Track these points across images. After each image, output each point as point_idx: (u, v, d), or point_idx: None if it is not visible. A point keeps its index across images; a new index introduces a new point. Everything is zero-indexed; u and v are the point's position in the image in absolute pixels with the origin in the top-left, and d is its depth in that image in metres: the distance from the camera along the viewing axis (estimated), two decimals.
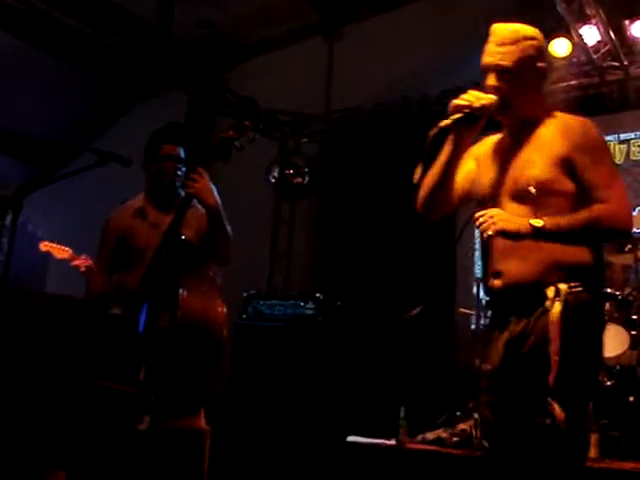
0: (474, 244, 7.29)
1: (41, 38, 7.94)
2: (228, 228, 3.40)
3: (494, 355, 2.55)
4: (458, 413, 5.38)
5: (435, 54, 7.35)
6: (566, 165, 2.50)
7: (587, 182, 2.50)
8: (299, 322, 6.25)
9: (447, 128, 2.54)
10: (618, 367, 5.24)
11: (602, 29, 6.34)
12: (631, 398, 4.98)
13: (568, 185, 2.50)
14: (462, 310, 6.15)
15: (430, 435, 5.19)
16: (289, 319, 6.31)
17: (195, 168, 3.29)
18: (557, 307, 2.40)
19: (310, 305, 6.28)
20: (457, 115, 2.52)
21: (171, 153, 3.56)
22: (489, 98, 2.56)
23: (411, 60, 7.48)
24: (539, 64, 2.64)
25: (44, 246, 4.67)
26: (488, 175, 2.66)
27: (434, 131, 2.54)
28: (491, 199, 2.59)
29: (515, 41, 2.62)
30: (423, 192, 2.74)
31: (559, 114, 2.67)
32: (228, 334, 3.29)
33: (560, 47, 6.67)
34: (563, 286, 2.43)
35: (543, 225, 2.38)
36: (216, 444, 3.37)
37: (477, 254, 7.27)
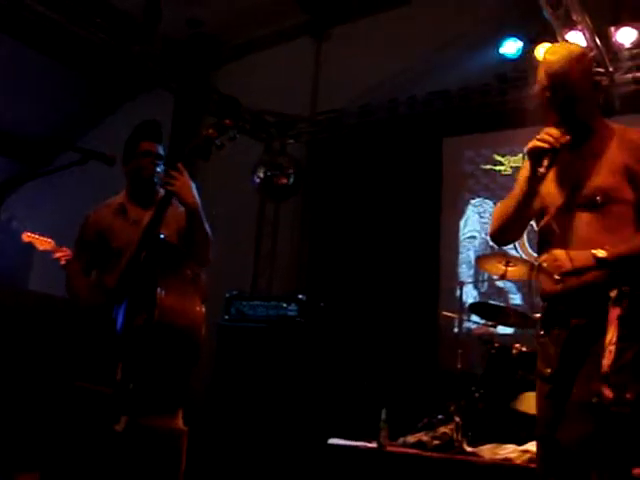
0: (458, 247, 7.32)
1: (28, 35, 7.90)
2: (207, 228, 3.35)
3: (552, 358, 2.62)
4: (439, 416, 5.38)
5: (422, 56, 7.37)
6: (628, 174, 2.57)
7: None
8: (281, 323, 6.25)
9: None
10: None
11: (588, 35, 6.35)
12: None
13: (629, 194, 2.56)
14: (445, 313, 6.15)
15: (411, 438, 5.18)
16: (271, 320, 6.30)
17: (174, 165, 3.26)
18: (617, 306, 2.46)
19: (293, 306, 6.28)
20: (545, 162, 2.56)
21: (149, 150, 3.52)
22: (565, 138, 2.58)
23: (398, 62, 7.49)
24: (595, 78, 2.74)
25: (27, 237, 4.64)
26: (548, 187, 2.69)
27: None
28: (555, 209, 2.66)
29: (571, 61, 2.66)
30: (499, 222, 2.81)
31: (616, 125, 2.74)
32: (210, 334, 3.27)
33: None
34: (626, 288, 2.47)
35: (606, 256, 2.48)
36: (197, 445, 3.35)
37: (461, 257, 7.29)
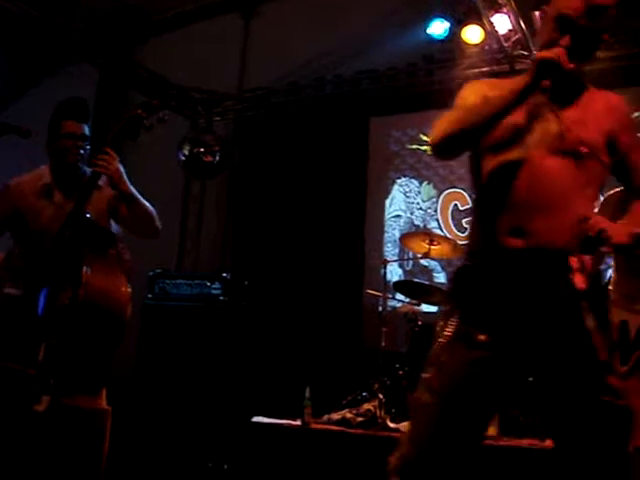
0: (383, 226, 7.38)
1: None
2: (146, 203, 3.36)
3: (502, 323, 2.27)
4: (363, 394, 5.43)
5: (351, 35, 7.36)
6: (609, 139, 2.40)
7: (633, 164, 2.45)
8: (205, 302, 6.21)
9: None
10: None
11: (512, 18, 6.45)
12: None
13: (606, 158, 2.38)
14: (370, 292, 6.20)
15: (335, 415, 5.22)
16: (195, 299, 6.25)
17: (103, 149, 3.20)
18: (581, 282, 2.23)
19: (217, 285, 6.24)
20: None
21: (73, 131, 3.41)
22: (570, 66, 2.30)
23: (327, 41, 7.48)
24: None
25: None
26: (515, 120, 2.36)
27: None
28: (520, 147, 2.35)
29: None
30: (472, 122, 2.37)
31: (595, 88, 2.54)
32: (133, 314, 3.24)
33: (473, 34, 6.77)
34: (587, 258, 2.28)
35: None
36: (121, 425, 3.32)
37: (386, 236, 7.35)
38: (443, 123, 2.38)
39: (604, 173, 2.42)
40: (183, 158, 7.97)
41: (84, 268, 3.01)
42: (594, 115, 2.42)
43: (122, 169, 3.26)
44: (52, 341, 2.92)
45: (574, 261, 2.24)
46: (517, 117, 2.36)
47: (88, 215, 3.20)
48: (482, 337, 2.25)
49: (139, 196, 3.32)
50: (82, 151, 3.43)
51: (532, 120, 2.37)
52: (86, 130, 3.45)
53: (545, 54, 2.27)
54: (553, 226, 2.26)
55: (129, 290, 3.19)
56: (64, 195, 3.41)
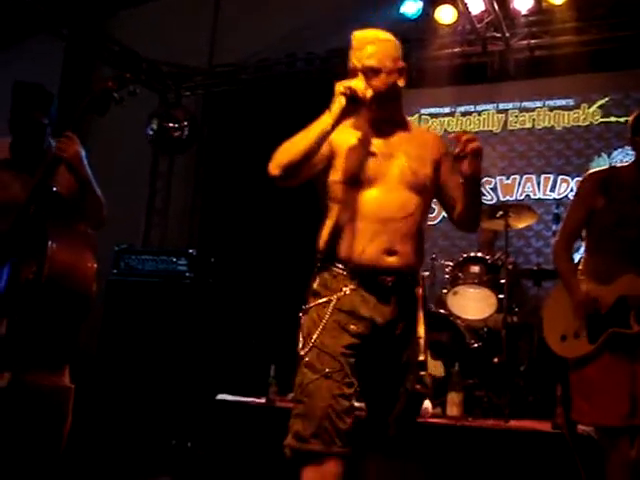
0: None
1: None
2: (98, 192, 3.30)
3: (365, 319, 2.64)
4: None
5: (322, 14, 7.29)
6: (437, 167, 2.77)
7: (447, 183, 2.80)
8: (171, 278, 6.16)
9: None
10: (485, 329, 5.42)
11: None
12: (496, 360, 5.15)
13: (433, 186, 2.78)
14: None
15: None
16: (161, 275, 6.20)
17: (63, 132, 3.13)
18: (420, 294, 2.73)
19: (183, 261, 6.20)
20: (367, 93, 2.67)
21: (38, 121, 3.34)
22: (367, 92, 2.69)
23: (298, 17, 7.41)
24: (400, 63, 2.85)
25: None
26: (373, 158, 2.72)
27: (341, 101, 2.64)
28: (385, 183, 2.70)
29: (377, 41, 2.87)
30: (291, 157, 2.69)
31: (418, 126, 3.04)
32: (98, 289, 3.20)
33: (445, 14, 6.75)
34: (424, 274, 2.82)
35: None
36: (84, 402, 3.27)
37: None
38: (276, 155, 2.73)
39: (431, 194, 2.82)
40: (151, 133, 7.87)
41: (49, 242, 2.95)
42: (428, 147, 2.81)
43: (82, 153, 3.21)
44: (14, 316, 2.87)
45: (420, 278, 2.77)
46: (360, 156, 2.73)
47: (54, 189, 3.13)
48: (354, 327, 2.62)
49: (94, 183, 3.27)
50: (45, 136, 3.37)
51: (377, 159, 2.73)
52: (46, 120, 3.37)
53: (352, 87, 2.65)
54: (411, 250, 2.70)
55: (95, 265, 3.14)
56: (23, 171, 3.34)
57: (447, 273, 5.64)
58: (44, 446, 2.95)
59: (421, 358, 2.65)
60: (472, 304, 5.37)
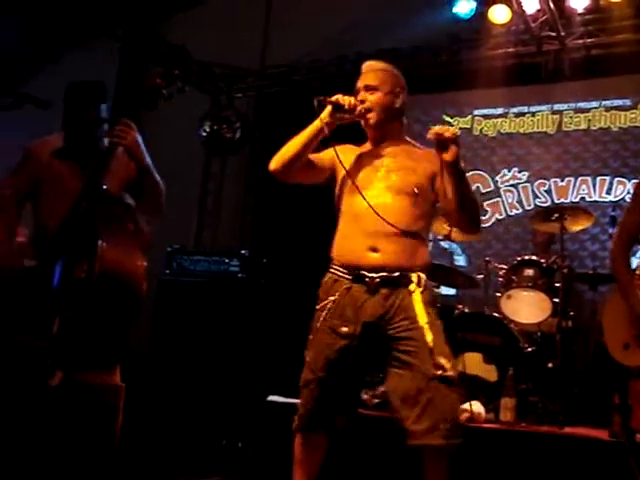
0: None
1: None
2: (158, 178, 3.35)
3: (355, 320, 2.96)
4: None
5: (374, 14, 7.26)
6: (432, 178, 3.06)
7: (443, 193, 3.02)
8: (223, 279, 6.17)
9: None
10: (539, 334, 5.33)
11: None
12: (550, 364, 5.07)
13: (430, 193, 3.08)
14: None
15: None
16: (213, 275, 6.22)
17: (120, 120, 3.16)
18: (418, 291, 2.91)
19: (235, 262, 6.20)
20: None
21: (93, 117, 3.38)
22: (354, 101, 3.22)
23: (350, 18, 7.38)
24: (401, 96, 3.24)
25: None
26: (364, 169, 3.16)
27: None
28: (372, 189, 3.07)
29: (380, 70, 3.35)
30: (282, 155, 3.28)
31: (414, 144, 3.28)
32: (151, 289, 3.22)
33: (499, 14, 6.66)
34: (423, 276, 2.96)
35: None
36: (135, 401, 3.29)
37: None
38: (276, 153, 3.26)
39: (431, 203, 3.12)
40: (204, 134, 7.92)
41: (99, 241, 2.95)
42: (421, 161, 3.13)
43: (140, 140, 3.23)
44: (67, 314, 2.88)
45: (414, 276, 2.96)
46: (364, 167, 3.18)
47: (105, 187, 3.16)
48: (345, 329, 2.96)
49: (153, 169, 3.32)
50: (99, 131, 3.41)
51: (378, 170, 3.14)
52: (103, 112, 3.41)
53: (341, 99, 3.23)
54: (397, 248, 2.99)
55: (145, 264, 3.14)
56: (79, 165, 3.38)
57: (501, 276, 5.57)
58: (96, 445, 2.96)
59: (429, 345, 2.82)
60: (526, 308, 5.28)
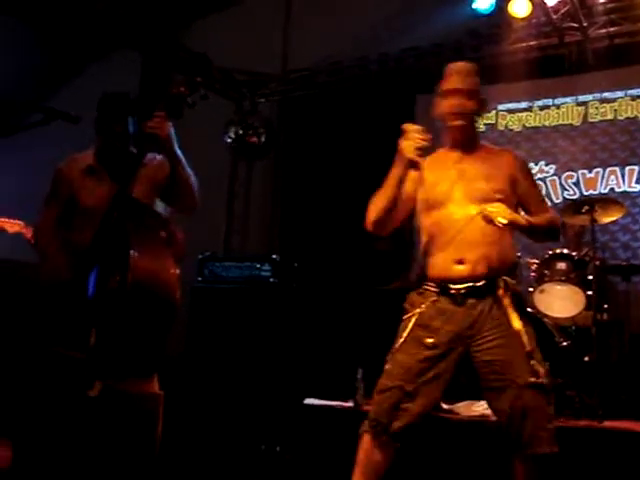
0: None
1: None
2: (190, 173, 3.36)
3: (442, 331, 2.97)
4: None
5: (394, 13, 7.25)
6: (512, 182, 3.07)
7: (528, 197, 3.13)
8: (255, 284, 6.19)
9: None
10: (574, 327, 5.30)
11: None
12: (586, 358, 5.03)
13: (512, 196, 3.06)
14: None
15: None
16: (245, 281, 6.24)
17: (154, 114, 3.19)
18: (508, 296, 2.91)
19: (266, 267, 6.22)
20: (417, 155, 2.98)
21: (122, 130, 3.43)
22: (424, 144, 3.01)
23: (369, 19, 7.38)
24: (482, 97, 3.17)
25: None
26: (443, 184, 3.08)
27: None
28: (454, 200, 3.04)
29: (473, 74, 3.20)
30: (375, 214, 3.15)
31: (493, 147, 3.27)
32: (183, 297, 3.23)
33: (520, 7, 6.64)
34: (509, 280, 2.96)
35: (532, 221, 2.99)
36: (172, 409, 3.32)
37: None
38: (369, 207, 3.17)
39: (513, 207, 3.05)
40: (229, 140, 7.97)
41: (131, 251, 2.95)
42: (500, 165, 3.12)
43: (173, 133, 3.26)
44: (103, 325, 2.91)
45: (501, 281, 2.94)
46: (445, 180, 3.10)
47: (134, 196, 3.18)
48: (430, 340, 2.96)
49: (186, 164, 3.32)
50: (127, 140, 3.46)
51: (457, 180, 3.08)
52: (131, 126, 3.46)
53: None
54: (483, 258, 2.95)
55: (177, 272, 3.15)
56: (110, 176, 3.43)
57: (533, 271, 5.53)
58: (137, 453, 2.99)
59: (527, 349, 2.83)
60: (559, 302, 5.25)
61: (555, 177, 7.00)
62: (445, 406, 4.91)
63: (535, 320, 5.16)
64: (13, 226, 4.55)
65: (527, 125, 7.22)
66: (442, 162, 3.17)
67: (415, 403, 2.97)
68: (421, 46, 7.31)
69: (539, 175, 7.03)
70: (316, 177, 7.75)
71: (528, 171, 3.24)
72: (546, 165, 7.05)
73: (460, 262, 2.95)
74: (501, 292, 2.90)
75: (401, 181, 3.08)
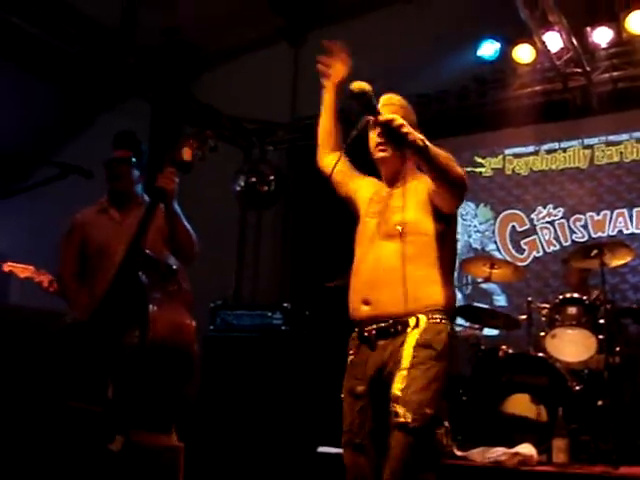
0: None
1: (0, 47, 7.81)
2: (188, 226, 3.46)
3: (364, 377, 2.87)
4: None
5: (399, 59, 7.35)
6: (429, 205, 2.91)
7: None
8: (268, 332, 6.19)
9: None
10: (586, 371, 5.29)
11: (565, 36, 6.39)
12: (600, 402, 5.01)
13: (431, 225, 2.89)
14: None
15: None
16: (257, 329, 6.24)
17: (165, 168, 3.28)
18: (414, 334, 2.76)
19: (278, 315, 6.22)
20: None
21: (122, 157, 3.61)
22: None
23: (375, 65, 7.45)
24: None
25: (7, 267, 4.67)
26: (366, 220, 3.09)
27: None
28: (363, 241, 3.04)
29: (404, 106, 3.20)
30: (319, 137, 3.51)
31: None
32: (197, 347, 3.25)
33: (524, 53, 6.75)
34: (423, 317, 2.78)
35: (427, 144, 2.75)
36: (187, 459, 3.31)
37: None
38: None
39: (435, 238, 2.91)
40: (238, 189, 8.02)
41: (150, 306, 2.99)
42: (412, 192, 2.99)
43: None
44: (120, 379, 2.92)
45: (412, 320, 2.79)
46: (370, 206, 3.14)
47: (148, 252, 3.22)
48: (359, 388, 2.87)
49: (182, 217, 3.43)
50: (131, 176, 3.57)
51: (377, 213, 3.09)
52: (132, 157, 3.59)
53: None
54: (391, 297, 2.84)
55: (194, 324, 3.19)
56: (119, 212, 3.60)
57: (544, 316, 5.54)
58: None
59: (395, 392, 2.68)
60: (571, 346, 5.24)
61: (563, 220, 7.03)
62: (459, 453, 4.89)
63: (546, 365, 5.17)
64: (24, 271, 4.58)
65: (534, 169, 7.27)
66: (373, 198, 3.16)
67: (375, 456, 2.82)
68: (427, 93, 7.39)
69: (548, 218, 7.07)
70: (325, 224, 7.78)
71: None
72: (554, 208, 7.08)
73: (366, 303, 2.87)
74: (409, 329, 2.75)
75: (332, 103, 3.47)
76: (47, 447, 3.25)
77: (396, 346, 2.76)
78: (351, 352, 2.97)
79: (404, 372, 2.67)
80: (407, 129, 2.73)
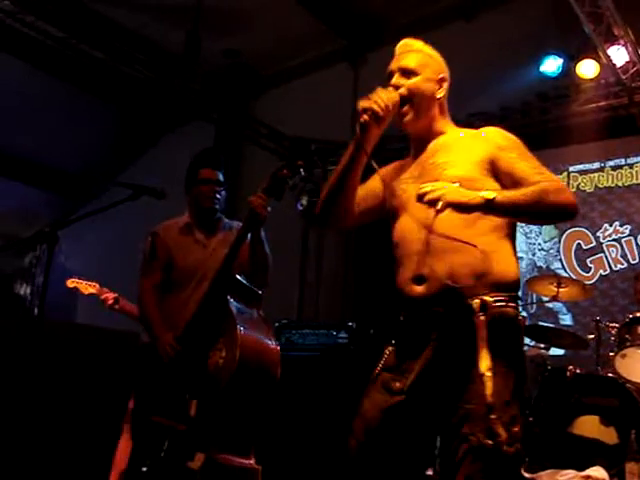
0: None
1: (68, 71, 8.05)
2: (268, 252, 3.52)
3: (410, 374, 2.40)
4: None
5: (461, 78, 7.30)
6: (489, 165, 2.42)
7: (518, 173, 2.38)
8: (333, 351, 6.19)
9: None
10: None
11: (630, 49, 6.31)
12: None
13: (491, 185, 2.37)
14: None
15: None
16: (323, 348, 6.25)
17: (262, 195, 3.32)
18: (479, 323, 2.21)
19: (343, 334, 6.22)
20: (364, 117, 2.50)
21: (209, 177, 3.65)
22: (391, 97, 2.54)
23: None
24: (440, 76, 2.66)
25: (71, 282, 4.76)
26: (402, 187, 2.58)
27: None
28: (405, 210, 2.53)
29: (420, 51, 2.67)
30: (323, 193, 2.66)
31: (467, 129, 2.65)
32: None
33: (588, 69, 6.68)
34: (489, 299, 2.26)
35: (495, 197, 2.21)
36: None
37: None
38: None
39: None
40: (301, 208, 8.08)
41: (238, 327, 3.02)
42: (465, 149, 2.50)
43: None
44: (204, 399, 2.96)
45: (475, 303, 2.24)
46: (403, 185, 2.59)
47: (238, 276, 3.26)
48: (397, 384, 2.40)
49: (266, 244, 3.49)
50: (218, 195, 3.64)
51: (414, 180, 2.54)
52: (220, 176, 3.67)
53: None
54: (449, 269, 2.30)
55: (278, 348, 3.22)
56: (205, 235, 3.61)
57: (613, 335, 5.43)
58: None
59: (489, 400, 2.12)
60: None
61: (631, 237, 6.90)
62: (527, 475, 4.81)
63: (617, 385, 5.06)
64: (87, 288, 4.66)
65: (599, 186, 7.17)
66: (401, 167, 2.71)
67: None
68: (489, 111, 7.35)
69: (614, 235, 6.94)
70: (388, 242, 7.78)
71: (516, 146, 2.50)
72: (621, 225, 6.96)
73: (419, 280, 2.41)
74: (481, 318, 2.22)
75: (354, 160, 2.61)
76: (129, 461, 3.30)
77: (452, 336, 2.29)
78: (390, 345, 2.55)
79: (487, 378, 2.14)
80: (467, 198, 2.22)
